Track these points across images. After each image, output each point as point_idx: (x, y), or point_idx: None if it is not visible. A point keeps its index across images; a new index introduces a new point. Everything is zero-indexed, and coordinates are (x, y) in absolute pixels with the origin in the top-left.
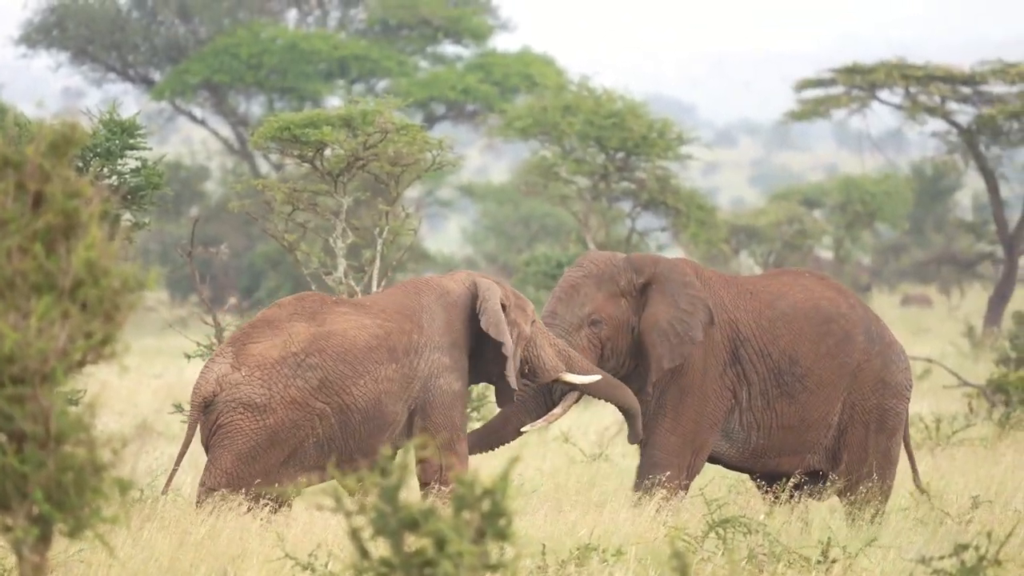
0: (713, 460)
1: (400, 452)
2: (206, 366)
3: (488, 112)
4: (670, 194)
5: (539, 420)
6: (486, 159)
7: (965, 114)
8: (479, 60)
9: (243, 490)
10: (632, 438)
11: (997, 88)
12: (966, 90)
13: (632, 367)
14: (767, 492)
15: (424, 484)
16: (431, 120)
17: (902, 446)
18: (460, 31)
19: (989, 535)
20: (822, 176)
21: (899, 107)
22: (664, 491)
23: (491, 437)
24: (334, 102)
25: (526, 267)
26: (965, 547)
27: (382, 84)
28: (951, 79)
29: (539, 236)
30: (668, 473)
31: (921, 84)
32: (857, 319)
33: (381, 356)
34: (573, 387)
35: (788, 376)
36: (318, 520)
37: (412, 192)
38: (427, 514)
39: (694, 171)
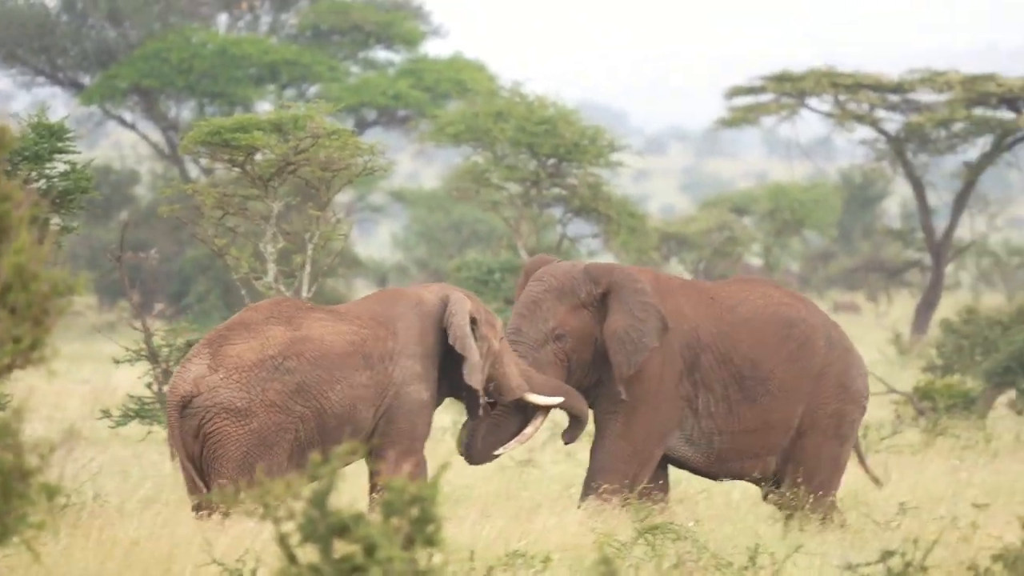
0: (679, 465)
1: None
2: (182, 366)
3: (419, 118)
4: (601, 201)
5: (511, 442)
6: (417, 165)
7: (893, 122)
8: (410, 66)
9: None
10: (568, 438)
11: (925, 96)
12: (894, 98)
13: (595, 378)
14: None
15: (376, 487)
16: (362, 125)
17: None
18: (391, 37)
19: (915, 542)
20: (752, 183)
21: (828, 115)
22: (606, 496)
23: (469, 456)
24: (265, 107)
25: (457, 273)
26: (891, 554)
27: (313, 89)
28: (880, 87)
29: (470, 242)
30: (614, 479)
31: (850, 92)
32: (817, 324)
33: (356, 362)
34: (536, 406)
35: (750, 380)
36: (250, 527)
37: (343, 197)
38: (357, 520)
39: (625, 178)
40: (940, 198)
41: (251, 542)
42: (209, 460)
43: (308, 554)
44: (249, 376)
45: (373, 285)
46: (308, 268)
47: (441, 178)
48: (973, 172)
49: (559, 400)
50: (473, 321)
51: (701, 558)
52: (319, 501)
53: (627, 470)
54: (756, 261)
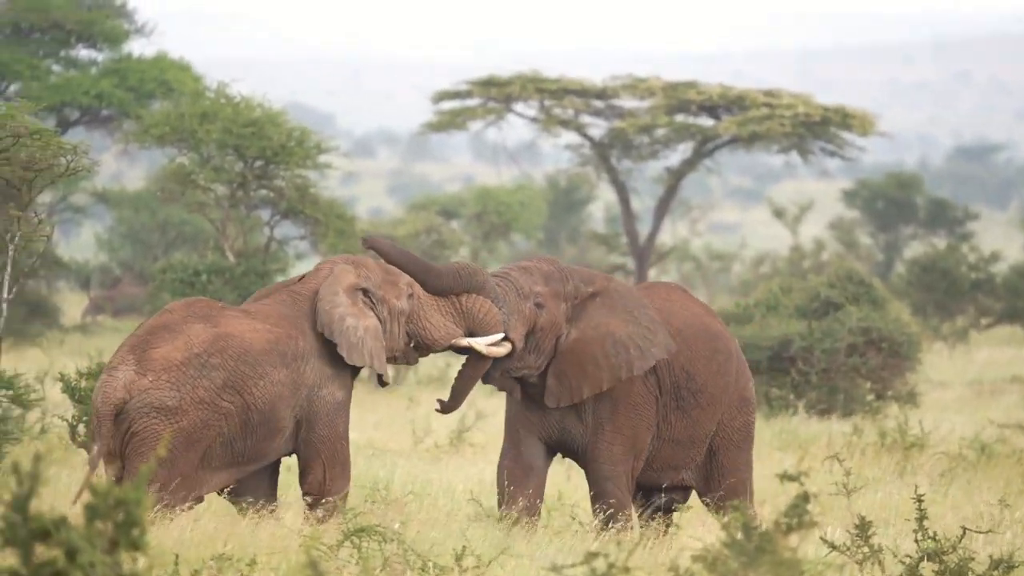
0: None
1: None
2: (108, 374)
3: (123, 117)
4: (309, 203)
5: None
6: (121, 165)
7: (598, 127)
8: (113, 65)
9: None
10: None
11: (628, 102)
12: (599, 104)
13: (542, 370)
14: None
15: (308, 495)
16: (64, 125)
17: None
18: (94, 35)
19: (619, 543)
20: (459, 187)
21: (534, 120)
22: (617, 503)
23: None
24: None
25: (163, 274)
26: (595, 555)
27: (13, 87)
28: (584, 93)
29: (176, 243)
30: (621, 481)
31: (555, 97)
32: (729, 337)
33: (275, 360)
34: (474, 353)
35: (685, 391)
36: None
37: (45, 198)
38: (58, 524)
39: (333, 180)
40: (643, 203)
41: None
42: (131, 457)
43: (8, 559)
44: (179, 375)
45: (76, 287)
46: (9, 269)
47: (146, 179)
48: (675, 178)
49: (496, 337)
50: (364, 291)
51: (408, 560)
52: (20, 505)
53: (626, 468)
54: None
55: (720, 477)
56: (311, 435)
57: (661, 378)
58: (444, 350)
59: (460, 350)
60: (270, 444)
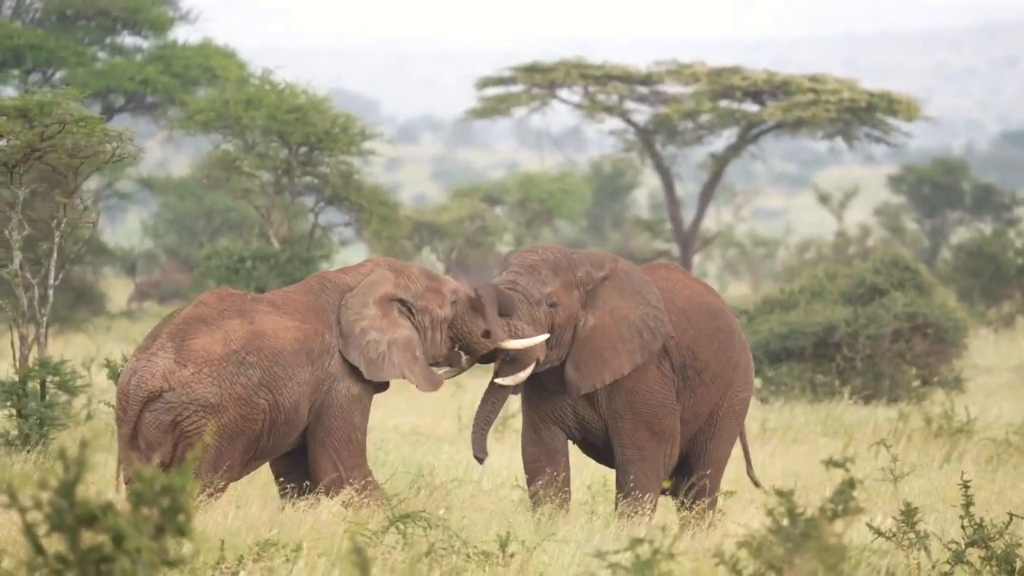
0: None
1: (79, 446)
2: (147, 359)
3: (168, 104)
4: (353, 189)
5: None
6: (166, 151)
7: (642, 113)
8: (159, 51)
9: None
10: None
11: (672, 88)
12: (643, 90)
13: (561, 361)
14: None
15: (319, 485)
16: (110, 111)
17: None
18: (139, 22)
19: (663, 529)
20: (503, 173)
21: (578, 106)
22: (638, 485)
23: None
24: (9, 92)
25: (208, 261)
26: (640, 541)
27: (59, 74)
28: (628, 79)
29: (221, 230)
30: (649, 467)
31: (599, 83)
32: (731, 314)
33: (302, 359)
34: (491, 388)
35: (690, 370)
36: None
37: (90, 184)
38: (104, 510)
39: (377, 167)
40: (687, 189)
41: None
42: (183, 456)
43: (55, 544)
44: (219, 370)
45: (121, 273)
46: (55, 256)
47: (191, 165)
48: (719, 163)
49: (540, 338)
50: (401, 301)
51: (453, 546)
52: (66, 491)
53: (655, 454)
54: (508, 250)
55: (715, 449)
56: (318, 426)
57: (673, 360)
58: (484, 353)
59: (493, 355)
60: (287, 439)
